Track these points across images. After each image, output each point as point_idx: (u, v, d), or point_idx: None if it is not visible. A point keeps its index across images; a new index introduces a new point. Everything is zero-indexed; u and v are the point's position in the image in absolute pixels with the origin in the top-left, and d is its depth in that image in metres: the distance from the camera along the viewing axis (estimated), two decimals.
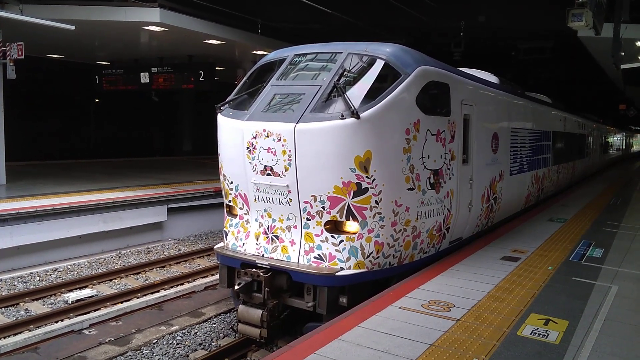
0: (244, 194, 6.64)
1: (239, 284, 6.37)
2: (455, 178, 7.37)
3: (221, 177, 7.06)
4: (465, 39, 15.39)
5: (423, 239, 6.78)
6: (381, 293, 5.88)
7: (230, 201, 6.98)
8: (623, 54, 12.03)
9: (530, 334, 4.72)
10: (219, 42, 15.58)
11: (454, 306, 5.41)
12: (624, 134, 42.06)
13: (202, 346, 7.18)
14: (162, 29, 13.71)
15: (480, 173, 8.42)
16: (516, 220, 10.65)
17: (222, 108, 6.98)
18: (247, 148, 6.32)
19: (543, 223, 10.32)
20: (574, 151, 17.89)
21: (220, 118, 6.90)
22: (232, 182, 6.81)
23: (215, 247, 7.17)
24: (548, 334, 4.71)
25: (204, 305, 8.66)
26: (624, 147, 43.35)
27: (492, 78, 10.03)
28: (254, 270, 6.34)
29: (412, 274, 6.55)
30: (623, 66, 13.87)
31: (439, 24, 14.95)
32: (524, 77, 20.30)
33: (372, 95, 6.04)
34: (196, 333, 7.56)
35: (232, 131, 6.59)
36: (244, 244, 6.74)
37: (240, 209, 6.82)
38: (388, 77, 6.26)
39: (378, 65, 6.31)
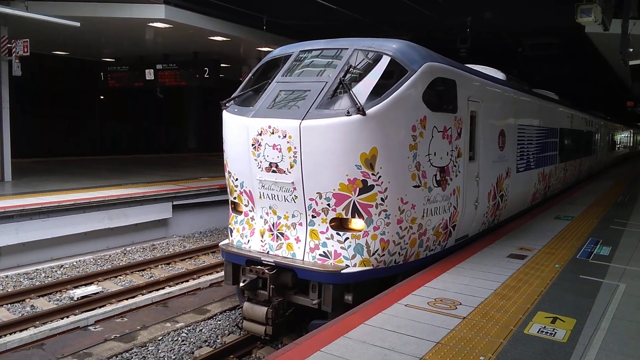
0: (249, 190, 6.62)
1: (244, 281, 6.36)
2: (461, 175, 7.33)
3: (226, 173, 7.05)
4: (472, 36, 15.30)
5: (429, 237, 6.75)
6: (387, 290, 5.85)
7: (235, 198, 6.96)
8: (631, 50, 11.94)
9: (538, 332, 4.69)
10: (224, 39, 15.57)
11: (461, 304, 5.38)
12: (632, 131, 41.79)
13: (207, 343, 7.17)
14: (167, 25, 13.72)
15: (487, 170, 8.37)
16: (523, 217, 10.58)
17: (227, 104, 6.96)
18: (252, 145, 6.30)
19: (550, 220, 10.25)
20: (581, 148, 17.78)
21: (225, 114, 6.87)
22: (237, 179, 6.79)
23: (220, 244, 7.16)
24: (555, 332, 4.67)
25: (209, 302, 8.66)
26: (631, 144, 43.10)
27: (499, 74, 9.96)
28: (259, 267, 6.32)
29: (418, 272, 6.52)
30: (631, 62, 13.79)
31: (445, 20, 14.87)
32: (530, 74, 20.19)
33: (378, 91, 5.99)
34: (201, 330, 7.56)
35: (237, 128, 6.56)
36: (249, 241, 6.73)
37: (246, 205, 6.80)
38: (394, 74, 6.22)
39: (384, 62, 6.25)
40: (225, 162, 7.04)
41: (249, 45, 16.99)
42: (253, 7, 14.56)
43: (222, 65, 18.27)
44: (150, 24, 13.77)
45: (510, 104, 9.80)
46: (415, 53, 6.50)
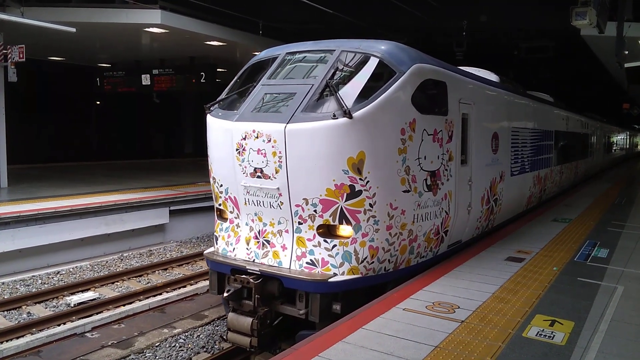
0: (234, 197, 6.43)
1: (227, 291, 6.12)
2: (453, 179, 7.15)
3: (211, 179, 6.85)
4: (467, 39, 15.35)
5: (420, 243, 6.55)
6: (385, 295, 5.81)
7: (220, 204, 6.76)
8: (627, 52, 11.97)
9: (536, 335, 4.67)
10: (220, 44, 15.58)
11: (459, 307, 5.36)
12: (628, 133, 41.93)
13: (204, 349, 7.15)
14: (163, 30, 13.72)
15: (480, 174, 8.20)
16: (520, 220, 10.56)
17: (211, 108, 6.77)
18: (237, 149, 6.09)
19: (547, 223, 10.25)
20: (577, 151, 17.78)
21: (209, 119, 6.68)
22: (221, 185, 6.60)
23: (205, 252, 6.96)
24: (554, 335, 4.66)
25: (206, 307, 8.63)
26: (627, 146, 43.21)
27: (492, 76, 9.86)
28: (243, 276, 6.10)
29: (409, 279, 6.37)
30: (627, 65, 13.79)
31: (441, 23, 14.91)
32: (526, 77, 20.25)
33: (366, 94, 5.81)
34: (199, 336, 7.53)
35: (221, 132, 6.37)
36: (234, 249, 6.53)
37: (231, 212, 6.61)
38: (382, 75, 6.03)
39: (372, 63, 6.07)
40: (209, 167, 6.86)
41: (246, 50, 16.98)
42: (249, 11, 14.58)
43: (218, 69, 18.26)
44: (146, 29, 13.77)
45: (504, 107, 9.72)
46: (404, 54, 6.34)
